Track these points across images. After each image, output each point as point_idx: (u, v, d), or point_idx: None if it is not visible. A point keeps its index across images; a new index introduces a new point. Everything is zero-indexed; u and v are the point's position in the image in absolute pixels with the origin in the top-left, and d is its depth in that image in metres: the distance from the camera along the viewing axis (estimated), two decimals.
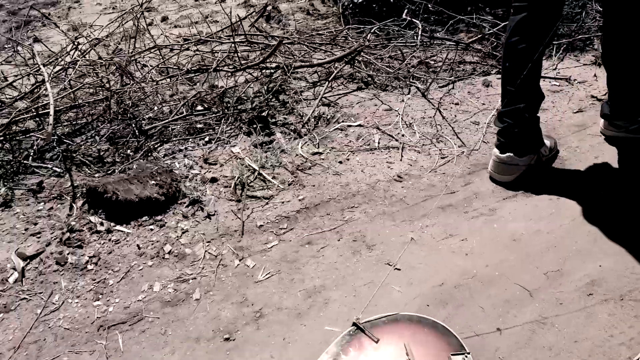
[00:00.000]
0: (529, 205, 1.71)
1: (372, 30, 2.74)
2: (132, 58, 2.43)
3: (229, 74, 2.56)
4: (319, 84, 2.56)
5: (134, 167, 1.92)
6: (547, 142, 1.87)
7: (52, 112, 1.79)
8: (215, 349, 1.30)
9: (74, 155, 2.13)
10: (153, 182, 1.79)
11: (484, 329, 1.30)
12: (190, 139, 2.18)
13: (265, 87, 2.45)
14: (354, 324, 1.24)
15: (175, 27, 3.67)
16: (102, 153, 2.13)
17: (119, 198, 1.71)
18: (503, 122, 1.74)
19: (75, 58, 2.30)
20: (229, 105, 2.32)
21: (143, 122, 2.26)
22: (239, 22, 2.72)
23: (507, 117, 1.73)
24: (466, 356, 1.11)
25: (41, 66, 2.03)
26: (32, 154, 2.16)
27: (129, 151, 2.14)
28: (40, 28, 4.03)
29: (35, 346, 1.34)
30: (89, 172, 2.05)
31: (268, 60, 2.44)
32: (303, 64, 2.59)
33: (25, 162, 2.12)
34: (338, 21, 3.62)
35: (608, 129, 2.01)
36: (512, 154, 1.74)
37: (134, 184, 1.78)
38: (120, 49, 2.51)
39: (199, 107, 2.34)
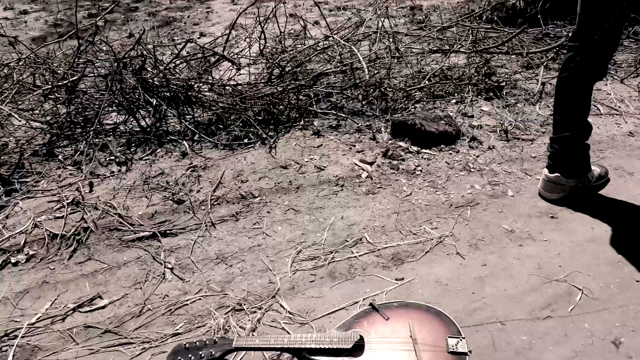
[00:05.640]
0: None
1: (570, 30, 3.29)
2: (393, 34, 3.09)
3: (449, 55, 3.17)
4: (519, 71, 3.13)
5: (417, 112, 2.51)
6: (597, 170, 1.95)
7: (364, 65, 2.42)
8: (545, 221, 1.84)
9: (340, 107, 2.76)
10: (443, 121, 2.38)
11: None
12: (437, 101, 2.77)
13: (482, 70, 3.03)
14: (370, 304, 1.40)
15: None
16: (361, 108, 2.75)
17: (426, 129, 2.30)
18: (552, 147, 1.89)
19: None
20: (460, 79, 2.91)
21: (388, 88, 2.88)
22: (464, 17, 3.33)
23: (555, 143, 1.88)
24: (461, 340, 1.25)
25: (339, 39, 2.67)
26: (313, 103, 2.81)
27: (381, 107, 2.75)
28: (182, 27, 4.71)
29: (410, 213, 1.92)
30: (358, 119, 2.66)
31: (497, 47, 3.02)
32: (521, 51, 3.16)
33: (310, 108, 2.77)
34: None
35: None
36: (559, 175, 1.88)
37: (428, 122, 2.36)
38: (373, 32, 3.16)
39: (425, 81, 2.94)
